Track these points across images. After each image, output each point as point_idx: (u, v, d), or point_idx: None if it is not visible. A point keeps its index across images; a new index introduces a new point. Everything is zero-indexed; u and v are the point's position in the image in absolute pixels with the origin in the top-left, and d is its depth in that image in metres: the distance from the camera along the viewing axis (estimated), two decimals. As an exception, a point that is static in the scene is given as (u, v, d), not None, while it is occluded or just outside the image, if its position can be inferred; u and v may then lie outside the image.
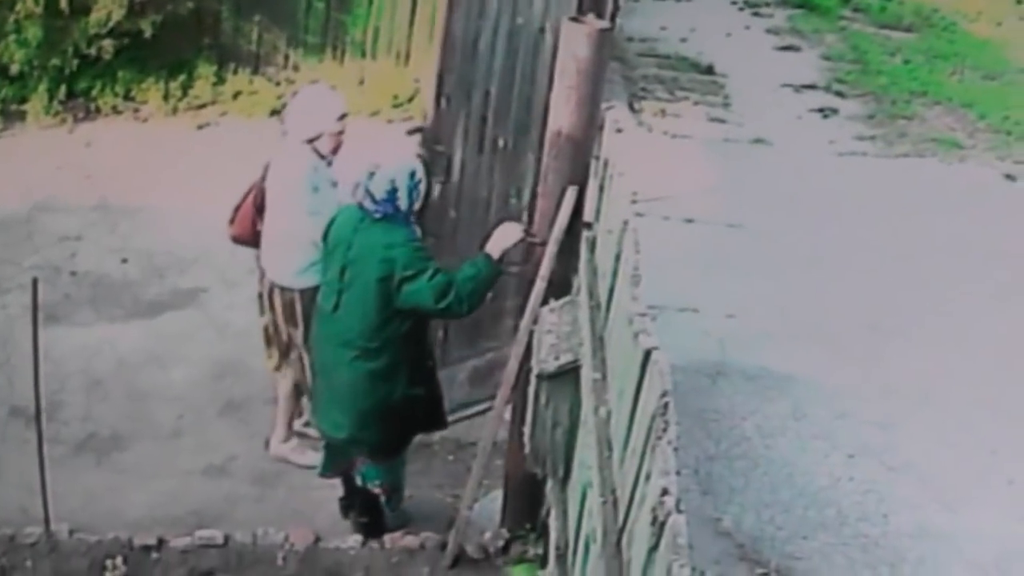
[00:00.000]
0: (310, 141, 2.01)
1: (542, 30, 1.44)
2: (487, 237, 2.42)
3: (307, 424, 2.82)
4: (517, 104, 1.65)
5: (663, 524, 1.17)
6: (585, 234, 1.26)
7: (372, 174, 1.48)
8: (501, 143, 1.68)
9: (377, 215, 1.39)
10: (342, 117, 2.34)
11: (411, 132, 2.07)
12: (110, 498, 1.64)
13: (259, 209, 2.81)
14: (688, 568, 1.18)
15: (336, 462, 2.11)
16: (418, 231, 1.87)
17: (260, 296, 2.79)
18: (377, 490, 1.63)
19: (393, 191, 1.43)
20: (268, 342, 2.79)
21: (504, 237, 2.15)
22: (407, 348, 1.80)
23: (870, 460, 1.50)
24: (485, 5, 1.37)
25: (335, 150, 2.07)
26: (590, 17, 1.17)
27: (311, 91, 2.19)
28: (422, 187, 1.62)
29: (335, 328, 1.53)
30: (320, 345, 1.59)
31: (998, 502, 1.52)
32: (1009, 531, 1.49)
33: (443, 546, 1.51)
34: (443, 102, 1.68)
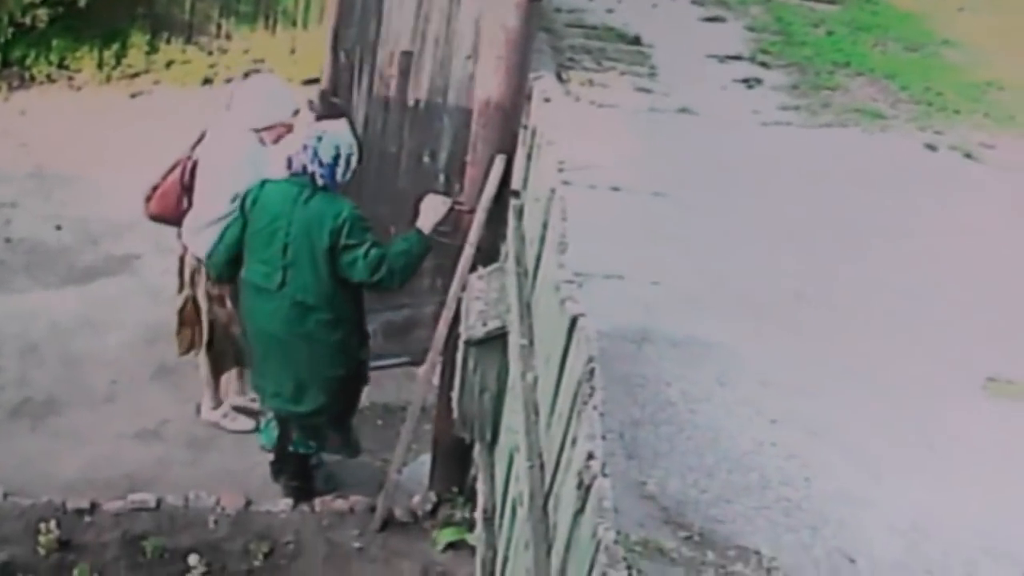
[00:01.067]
0: (258, 130, 2.00)
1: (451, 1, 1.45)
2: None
3: (253, 400, 2.65)
4: (431, 66, 1.65)
5: (588, 488, 1.17)
6: (513, 202, 1.26)
7: (320, 138, 1.48)
8: (412, 102, 1.67)
9: (321, 181, 1.39)
10: (295, 113, 2.31)
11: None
12: (44, 462, 1.63)
13: (187, 188, 2.69)
14: (613, 531, 1.18)
15: (286, 435, 2.09)
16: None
17: (180, 273, 2.65)
18: (314, 457, 1.64)
19: (336, 156, 1.43)
20: (181, 323, 2.63)
21: (433, 211, 2.14)
22: (357, 313, 1.79)
23: (793, 426, 1.50)
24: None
25: (276, 140, 2.06)
26: (516, 3, 1.18)
27: (268, 82, 2.17)
28: (354, 160, 1.62)
29: (283, 304, 1.52)
30: (264, 324, 1.58)
31: (918, 467, 1.52)
32: (928, 496, 1.50)
33: (372, 509, 1.51)
34: (341, 56, 1.67)
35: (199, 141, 2.67)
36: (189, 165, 2.85)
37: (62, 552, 1.31)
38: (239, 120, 1.99)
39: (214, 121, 2.14)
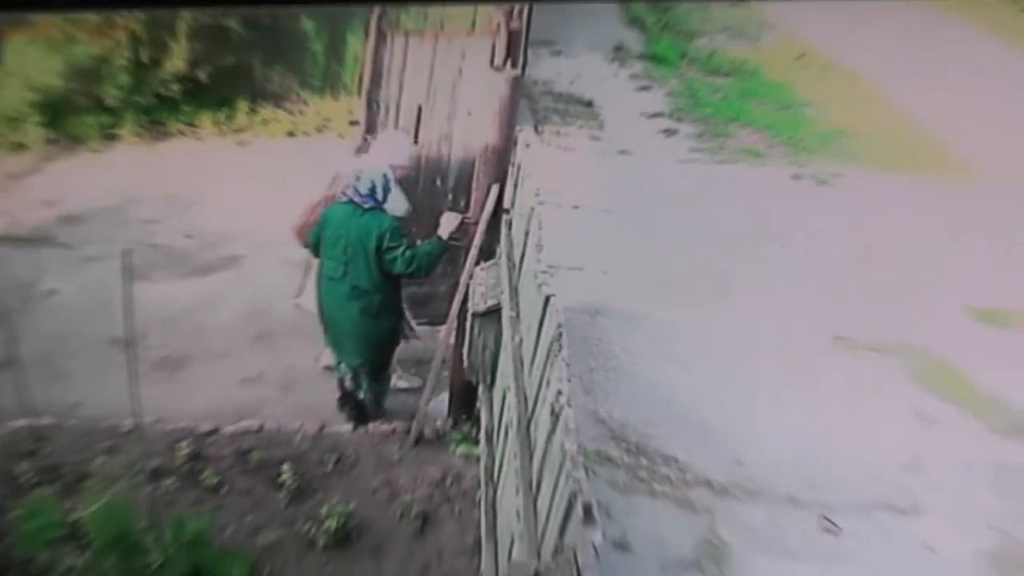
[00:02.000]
0: (392, 166, 2.00)
1: (460, 70, 1.45)
2: (417, 206, 2.50)
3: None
4: (439, 117, 1.66)
5: (558, 415, 1.18)
6: (504, 217, 1.27)
7: (358, 178, 1.49)
8: (424, 142, 1.70)
9: (366, 206, 1.40)
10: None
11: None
12: (179, 400, 1.66)
13: None
14: (575, 444, 1.18)
15: (345, 380, 2.09)
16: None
17: None
18: (363, 396, 1.67)
19: (372, 188, 1.44)
20: None
21: (448, 224, 2.16)
22: (395, 295, 1.80)
23: (702, 373, 1.52)
24: (406, 51, 1.38)
25: (399, 175, 2.06)
26: (507, 68, 1.19)
27: (399, 136, 2.17)
28: (391, 185, 1.64)
29: (344, 289, 1.54)
30: (331, 303, 1.59)
31: (787, 399, 1.55)
32: (793, 418, 1.52)
33: (408, 431, 1.53)
34: (374, 106, 1.69)
35: (333, 182, 2.66)
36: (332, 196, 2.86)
37: (192, 462, 1.32)
38: (381, 158, 1.98)
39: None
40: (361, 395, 1.24)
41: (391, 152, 1.72)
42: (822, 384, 1.22)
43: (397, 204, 1.47)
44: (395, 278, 1.49)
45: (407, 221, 1.54)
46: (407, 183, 1.83)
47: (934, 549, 1.01)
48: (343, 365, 1.45)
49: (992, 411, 1.14)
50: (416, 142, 1.78)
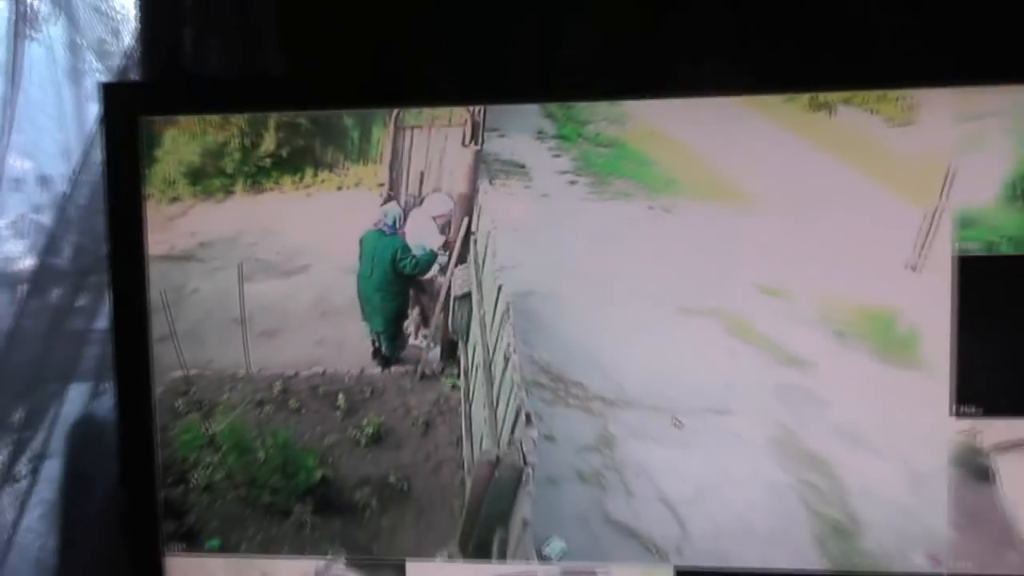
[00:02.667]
0: (434, 217, 2.00)
1: (443, 149, 1.45)
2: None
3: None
4: (433, 178, 1.67)
5: (508, 359, 1.21)
6: (472, 237, 1.28)
7: (384, 215, 1.49)
8: (423, 192, 1.70)
9: (387, 232, 1.39)
10: (450, 209, 2.30)
11: (380, 185, 2.06)
12: (273, 356, 1.66)
13: None
14: (519, 376, 1.21)
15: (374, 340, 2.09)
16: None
17: None
18: (384, 350, 1.67)
19: (394, 220, 1.44)
20: None
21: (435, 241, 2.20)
22: (405, 287, 1.82)
23: (600, 331, 1.52)
24: (411, 138, 1.38)
25: (440, 222, 2.05)
26: (472, 145, 1.21)
27: (441, 196, 2.17)
28: (401, 219, 1.66)
29: (372, 283, 1.53)
30: (364, 293, 1.59)
31: (647, 348, 1.55)
32: (664, 365, 1.53)
33: (416, 371, 1.54)
34: (392, 174, 1.69)
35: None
36: None
37: (283, 394, 1.33)
38: (430, 210, 1.98)
39: (374, 209, 2.12)
40: (384, 350, 1.25)
41: (437, 206, 1.74)
42: (669, 335, 1.23)
43: (429, 238, 1.48)
44: (404, 276, 1.49)
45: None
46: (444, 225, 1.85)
47: (740, 436, 1.03)
48: (372, 331, 1.45)
49: (772, 349, 1.16)
50: (422, 197, 1.79)
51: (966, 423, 0.87)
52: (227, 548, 1.09)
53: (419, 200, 1.19)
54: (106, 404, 1.26)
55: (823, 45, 0.95)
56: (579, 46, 1.07)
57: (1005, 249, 0.84)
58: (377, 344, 1.03)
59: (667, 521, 0.95)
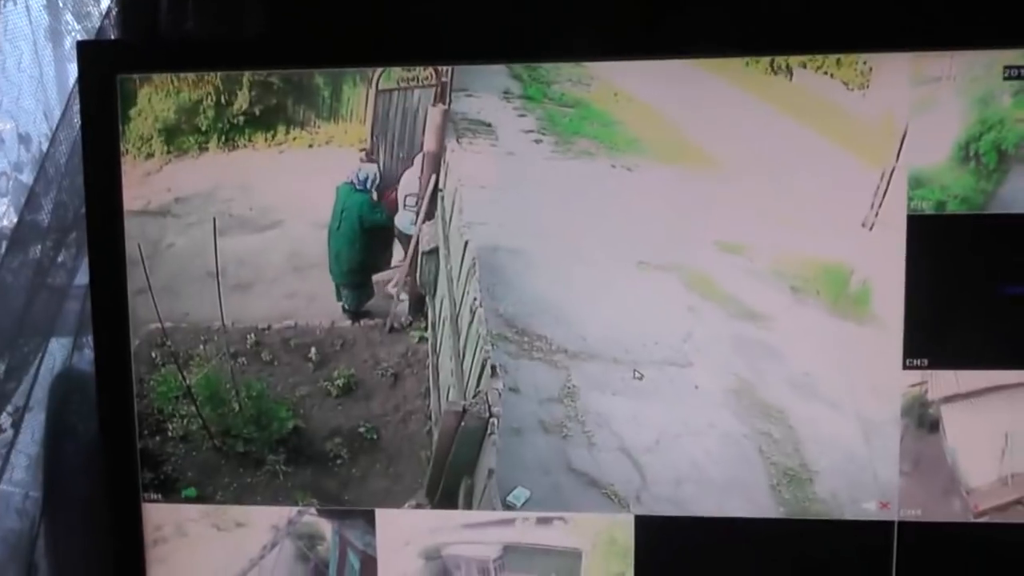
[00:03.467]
0: (406, 195, 1.95)
1: (416, 108, 1.42)
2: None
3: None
4: (402, 136, 1.63)
5: (474, 312, 1.20)
6: (440, 193, 1.26)
7: (358, 172, 1.46)
8: (400, 154, 1.65)
9: (359, 188, 1.37)
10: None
11: (361, 149, 2.02)
12: (247, 309, 1.63)
13: None
14: (485, 329, 1.20)
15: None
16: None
17: None
18: (346, 304, 1.64)
19: (366, 179, 1.42)
20: None
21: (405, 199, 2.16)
22: (368, 240, 1.80)
23: (564, 284, 1.51)
24: (388, 99, 1.34)
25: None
26: (440, 105, 1.18)
27: (416, 176, 2.11)
28: (377, 180, 1.61)
29: (340, 234, 1.51)
30: (333, 243, 1.56)
31: (620, 304, 1.54)
32: (625, 318, 1.51)
33: (385, 324, 1.52)
34: (374, 136, 1.66)
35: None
36: None
37: (256, 347, 1.31)
38: (402, 191, 1.95)
39: (349, 166, 2.08)
40: (346, 303, 1.22)
41: (411, 185, 1.74)
42: (631, 290, 1.21)
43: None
44: (369, 230, 1.47)
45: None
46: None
47: (699, 387, 1.02)
48: (335, 283, 1.42)
49: (730, 304, 1.14)
50: (394, 156, 1.75)
51: (915, 375, 0.87)
52: (203, 497, 1.08)
53: (400, 168, 1.18)
54: (87, 358, 1.25)
55: (781, 9, 0.93)
56: (544, 8, 1.05)
57: (954, 208, 0.84)
58: (339, 297, 1.02)
59: (627, 470, 0.95)
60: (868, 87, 0.86)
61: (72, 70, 1.14)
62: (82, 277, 1.26)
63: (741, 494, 0.93)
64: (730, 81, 0.90)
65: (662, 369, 0.96)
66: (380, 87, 1.00)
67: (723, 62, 0.89)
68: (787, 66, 0.88)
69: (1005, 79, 0.84)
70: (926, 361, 0.88)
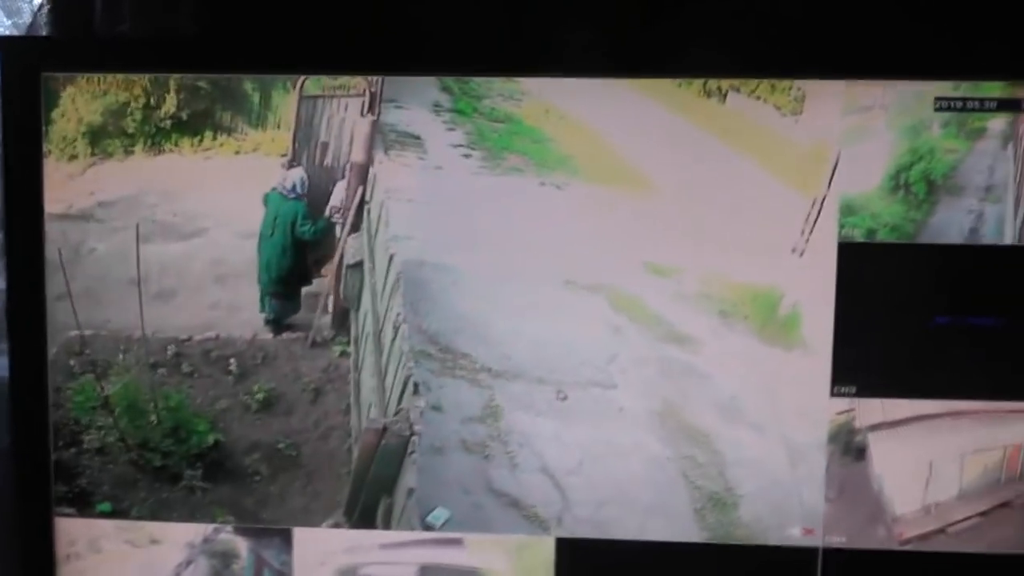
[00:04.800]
0: (333, 208, 1.88)
1: (343, 118, 1.37)
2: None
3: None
4: (333, 146, 1.58)
5: (397, 328, 1.19)
6: (366, 206, 1.22)
7: (285, 179, 1.42)
8: (326, 163, 1.60)
9: (290, 197, 1.32)
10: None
11: (283, 156, 1.96)
12: (168, 318, 1.56)
13: None
14: (408, 346, 1.17)
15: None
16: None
17: None
18: (270, 314, 1.59)
19: (295, 185, 1.37)
20: None
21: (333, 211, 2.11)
22: (298, 250, 1.75)
23: (488, 301, 1.47)
24: (313, 107, 1.30)
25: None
26: (369, 115, 1.14)
27: (344, 187, 2.05)
28: (305, 185, 1.56)
29: (271, 242, 1.45)
30: (262, 250, 1.50)
31: (539, 317, 1.51)
32: (551, 337, 1.48)
33: (307, 338, 1.47)
34: (296, 143, 1.61)
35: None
36: None
37: (176, 358, 1.26)
38: (331, 202, 1.89)
39: (275, 174, 2.02)
40: (269, 313, 1.17)
41: (339, 196, 1.68)
42: (557, 310, 1.17)
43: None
44: (302, 241, 1.43)
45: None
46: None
47: (624, 409, 1.00)
48: (261, 291, 1.37)
49: (657, 326, 1.11)
50: (322, 163, 1.69)
51: (843, 402, 0.83)
52: (118, 512, 1.03)
53: (330, 174, 1.13)
54: (2, 364, 1.17)
55: (716, 32, 0.89)
56: (478, 21, 0.99)
57: (885, 236, 0.81)
58: (263, 307, 0.96)
59: (549, 491, 0.90)
60: (801, 113, 0.82)
61: (-1, 67, 1.05)
62: (-1, 280, 1.18)
63: (664, 517, 0.89)
64: (663, 102, 0.86)
65: (587, 390, 0.91)
66: (305, 93, 0.93)
67: (656, 82, 0.85)
68: (720, 89, 0.84)
69: (936, 110, 0.82)
70: (854, 388, 0.85)
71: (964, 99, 0.83)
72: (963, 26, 0.91)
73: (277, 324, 1.05)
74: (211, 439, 0.99)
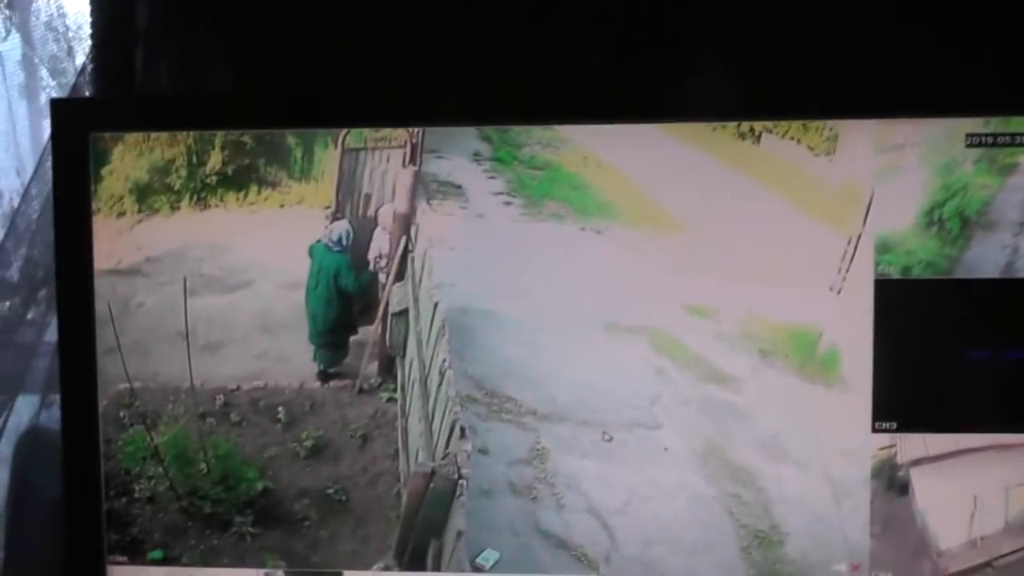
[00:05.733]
0: (375, 257, 1.90)
1: (385, 169, 1.40)
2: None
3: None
4: (376, 198, 1.59)
5: (443, 374, 1.20)
6: (409, 255, 1.24)
7: (331, 232, 1.44)
8: (369, 213, 1.62)
9: (334, 249, 1.34)
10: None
11: (326, 207, 1.99)
12: (216, 369, 1.58)
13: None
14: (454, 391, 1.19)
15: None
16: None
17: None
18: (320, 363, 1.60)
19: (340, 238, 1.39)
20: None
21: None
22: (344, 302, 1.77)
23: (533, 345, 1.48)
24: (356, 159, 1.32)
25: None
26: (411, 166, 1.15)
27: (386, 235, 2.07)
28: (350, 237, 1.58)
29: (316, 294, 1.48)
30: (310, 302, 1.53)
31: (581, 364, 1.51)
32: (595, 380, 1.48)
33: (354, 386, 1.48)
34: (339, 195, 1.62)
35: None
36: None
37: (225, 407, 1.28)
38: (372, 252, 1.91)
39: (320, 225, 2.05)
40: (320, 363, 1.19)
41: (382, 245, 1.70)
42: (600, 352, 1.18)
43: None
44: (346, 293, 1.45)
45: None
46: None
47: (668, 449, 1.01)
48: (312, 343, 1.38)
49: (699, 367, 1.12)
50: (365, 216, 1.71)
51: (884, 438, 0.85)
52: (169, 559, 1.05)
53: (372, 225, 1.16)
54: (54, 416, 1.20)
55: (749, 75, 0.92)
56: (515, 71, 1.03)
57: (920, 272, 0.83)
58: (315, 358, 0.99)
59: (597, 532, 0.92)
60: (834, 153, 0.84)
61: (46, 126, 1.11)
62: (51, 334, 1.22)
63: (711, 556, 0.91)
64: (699, 146, 0.88)
65: (631, 431, 0.93)
66: (347, 146, 0.97)
67: (692, 127, 0.87)
68: (754, 131, 0.86)
69: (967, 146, 0.83)
70: (895, 424, 0.86)
71: (995, 135, 0.84)
72: (993, 62, 0.92)
73: (327, 374, 1.09)
74: (260, 486, 1.01)
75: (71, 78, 1.16)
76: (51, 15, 1.25)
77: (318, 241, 1.04)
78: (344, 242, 1.05)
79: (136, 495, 1.00)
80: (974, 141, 0.85)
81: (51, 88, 1.28)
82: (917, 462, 0.88)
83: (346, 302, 1.09)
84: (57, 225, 0.95)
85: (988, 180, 0.85)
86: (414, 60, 1.04)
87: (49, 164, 1.09)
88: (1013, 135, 0.85)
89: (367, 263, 1.20)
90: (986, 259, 0.86)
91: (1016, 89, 0.86)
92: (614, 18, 1.04)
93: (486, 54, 1.05)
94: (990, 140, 0.85)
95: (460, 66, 1.03)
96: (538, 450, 0.97)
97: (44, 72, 1.29)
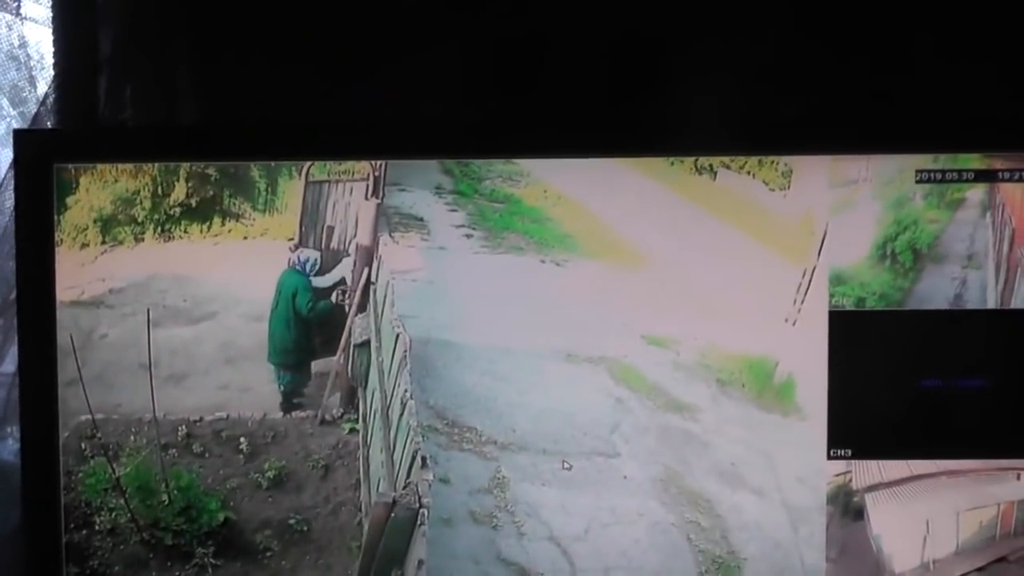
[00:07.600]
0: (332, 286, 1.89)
1: (348, 202, 1.40)
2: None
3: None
4: (339, 230, 1.60)
5: (405, 404, 1.20)
6: (372, 287, 1.24)
7: (299, 256, 1.44)
8: (334, 245, 1.62)
9: (298, 270, 1.35)
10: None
11: (289, 239, 1.99)
12: (179, 400, 1.57)
13: None
14: (415, 421, 1.19)
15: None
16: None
17: None
18: (281, 387, 1.59)
19: (306, 261, 1.40)
20: None
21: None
22: (304, 326, 1.77)
23: (493, 376, 1.49)
24: (318, 191, 1.32)
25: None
26: (373, 198, 1.16)
27: (347, 266, 2.05)
28: (316, 265, 1.58)
29: (277, 315, 1.48)
30: (271, 322, 1.52)
31: (542, 393, 1.52)
32: (554, 409, 1.49)
33: (316, 416, 1.47)
34: (302, 226, 1.62)
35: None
36: None
37: (187, 438, 1.27)
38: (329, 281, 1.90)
39: (283, 255, 2.03)
40: (281, 386, 1.18)
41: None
42: (560, 382, 1.19)
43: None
44: (303, 316, 1.44)
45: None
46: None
47: (628, 477, 1.02)
48: (274, 367, 1.37)
49: (657, 395, 1.14)
50: (327, 248, 1.70)
51: (839, 464, 0.87)
52: (130, 592, 0.94)
53: (335, 261, 1.16)
54: (10, 448, 1.20)
55: (704, 112, 0.95)
56: (476, 105, 1.05)
57: (874, 304, 0.85)
58: (276, 378, 1.00)
59: (557, 559, 0.93)
60: (789, 188, 0.87)
61: (6, 155, 1.10)
62: (8, 365, 1.22)
63: (670, 581, 0.91)
64: (658, 180, 0.90)
65: (591, 459, 0.95)
66: (311, 179, 0.98)
67: (649, 161, 0.89)
68: (711, 166, 0.89)
69: (917, 182, 0.86)
70: (849, 451, 0.88)
71: (943, 171, 0.87)
72: (941, 101, 0.95)
73: (290, 396, 1.09)
74: (222, 517, 1.01)
75: (33, 107, 1.15)
76: (12, 44, 1.25)
77: (288, 268, 1.05)
78: (308, 268, 1.06)
79: (97, 527, 0.99)
80: (924, 177, 0.87)
81: (11, 117, 1.28)
82: (872, 488, 0.90)
83: (304, 325, 1.10)
84: (19, 256, 0.95)
85: (937, 215, 0.88)
86: (378, 93, 1.06)
87: (8, 194, 1.08)
88: (960, 171, 0.87)
89: (328, 292, 1.21)
90: (937, 291, 0.88)
91: (963, 127, 0.88)
92: (575, 56, 1.06)
93: (448, 89, 1.07)
94: (939, 176, 0.88)
95: (423, 100, 1.05)
96: (499, 479, 0.98)
97: (4, 101, 1.29)
